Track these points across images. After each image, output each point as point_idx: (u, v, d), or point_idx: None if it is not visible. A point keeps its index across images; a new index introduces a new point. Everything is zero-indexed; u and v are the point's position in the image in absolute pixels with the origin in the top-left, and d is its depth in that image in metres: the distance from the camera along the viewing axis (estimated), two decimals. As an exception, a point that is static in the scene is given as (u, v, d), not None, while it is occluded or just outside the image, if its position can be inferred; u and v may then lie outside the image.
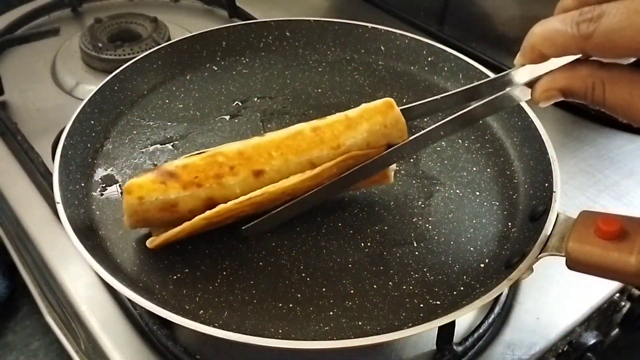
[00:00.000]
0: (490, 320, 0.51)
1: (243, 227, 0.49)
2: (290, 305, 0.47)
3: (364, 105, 0.50)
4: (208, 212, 0.46)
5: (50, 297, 0.65)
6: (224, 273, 0.50)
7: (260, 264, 0.50)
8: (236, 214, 0.48)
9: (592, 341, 0.56)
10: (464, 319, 0.51)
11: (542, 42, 0.36)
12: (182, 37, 0.70)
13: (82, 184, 0.56)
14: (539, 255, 0.45)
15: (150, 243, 0.49)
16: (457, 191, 0.56)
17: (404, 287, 0.49)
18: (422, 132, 0.46)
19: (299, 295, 0.48)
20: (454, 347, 0.49)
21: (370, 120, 0.48)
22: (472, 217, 0.54)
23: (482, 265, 0.50)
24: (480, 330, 0.50)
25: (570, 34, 0.34)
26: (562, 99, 0.38)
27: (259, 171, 0.47)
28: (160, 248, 0.49)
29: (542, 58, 0.37)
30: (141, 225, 0.49)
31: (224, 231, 0.52)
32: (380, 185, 0.55)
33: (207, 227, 0.48)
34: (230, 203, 0.46)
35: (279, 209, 0.48)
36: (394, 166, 0.53)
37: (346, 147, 0.48)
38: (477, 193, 0.56)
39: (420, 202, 0.55)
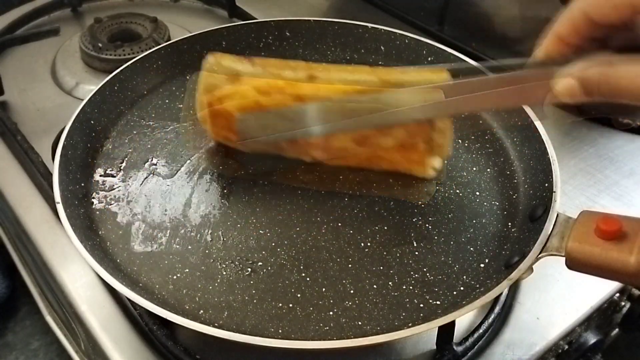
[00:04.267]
0: (490, 320, 0.50)
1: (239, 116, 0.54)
2: (290, 305, 0.48)
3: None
4: (257, 79, 0.54)
5: (50, 297, 0.65)
6: (224, 273, 0.50)
7: (260, 263, 0.50)
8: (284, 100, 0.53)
9: (592, 341, 0.56)
10: (464, 319, 0.51)
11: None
12: (182, 37, 0.70)
13: (82, 184, 0.56)
14: (539, 255, 0.45)
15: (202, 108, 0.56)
16: (457, 191, 0.56)
17: (404, 287, 0.49)
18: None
19: (299, 295, 0.48)
20: (454, 347, 0.49)
21: (421, 73, 0.51)
22: (472, 217, 0.54)
23: (482, 265, 0.50)
24: (480, 330, 0.50)
25: None
26: (581, 95, 0.39)
27: (313, 76, 0.53)
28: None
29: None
30: (208, 91, 0.55)
31: (224, 231, 0.52)
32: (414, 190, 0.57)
33: (255, 108, 0.54)
34: (278, 79, 0.53)
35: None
36: (436, 162, 0.56)
37: (394, 82, 0.52)
38: (477, 193, 0.56)
39: (420, 202, 0.55)
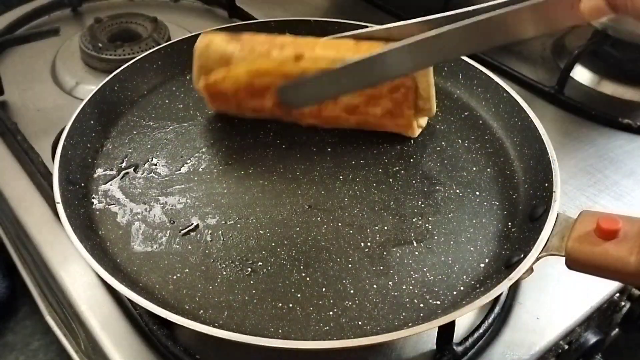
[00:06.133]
0: (490, 320, 0.51)
1: (280, 86, 0.56)
2: (290, 305, 0.48)
3: None
4: (249, 65, 0.57)
5: (50, 297, 0.65)
6: (224, 273, 0.50)
7: (260, 263, 0.50)
8: (272, 81, 0.57)
9: (592, 341, 0.56)
10: (464, 319, 0.51)
11: None
12: (182, 37, 0.70)
13: (82, 184, 0.56)
14: (539, 255, 0.45)
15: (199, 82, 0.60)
16: (457, 191, 0.56)
17: (404, 287, 0.49)
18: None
19: (299, 295, 0.48)
20: (454, 347, 0.49)
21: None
22: (472, 217, 0.54)
23: (482, 265, 0.50)
24: (480, 330, 0.50)
25: None
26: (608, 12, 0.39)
27: (300, 54, 0.56)
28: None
29: None
30: (203, 72, 0.60)
31: (224, 231, 0.52)
32: (403, 133, 0.61)
33: (248, 88, 0.58)
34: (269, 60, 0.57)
35: (319, 72, 0.55)
36: (422, 122, 0.61)
37: None
38: (477, 193, 0.56)
39: (420, 202, 0.55)
